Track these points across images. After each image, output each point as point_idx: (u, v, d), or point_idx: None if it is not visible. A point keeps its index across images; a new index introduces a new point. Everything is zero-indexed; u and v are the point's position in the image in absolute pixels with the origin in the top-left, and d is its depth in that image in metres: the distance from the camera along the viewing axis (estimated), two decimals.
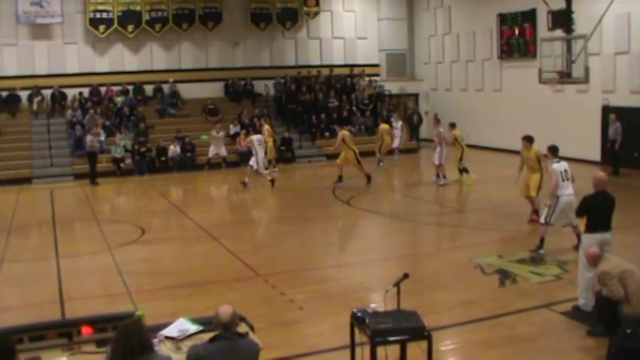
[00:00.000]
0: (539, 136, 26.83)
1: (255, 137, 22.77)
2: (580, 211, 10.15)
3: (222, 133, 27.72)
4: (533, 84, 24.30)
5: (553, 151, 13.93)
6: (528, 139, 16.28)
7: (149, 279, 12.67)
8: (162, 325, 6.61)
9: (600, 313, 9.01)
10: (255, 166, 22.43)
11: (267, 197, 22.18)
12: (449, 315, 10.08)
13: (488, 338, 9.19)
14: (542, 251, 13.35)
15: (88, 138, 25.36)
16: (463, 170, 21.79)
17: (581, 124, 25.53)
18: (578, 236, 12.59)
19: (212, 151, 27.41)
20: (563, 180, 13.18)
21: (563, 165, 13.43)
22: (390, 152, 28.31)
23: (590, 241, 9.62)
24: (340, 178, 22.32)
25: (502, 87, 30.61)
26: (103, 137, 27.24)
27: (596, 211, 9.93)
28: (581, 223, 10.02)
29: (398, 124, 29.40)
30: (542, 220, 13.61)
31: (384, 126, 27.78)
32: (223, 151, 27.69)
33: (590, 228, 9.88)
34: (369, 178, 22.22)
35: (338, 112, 32.03)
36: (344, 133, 22.51)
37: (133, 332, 5.21)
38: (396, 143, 28.60)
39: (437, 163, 21.89)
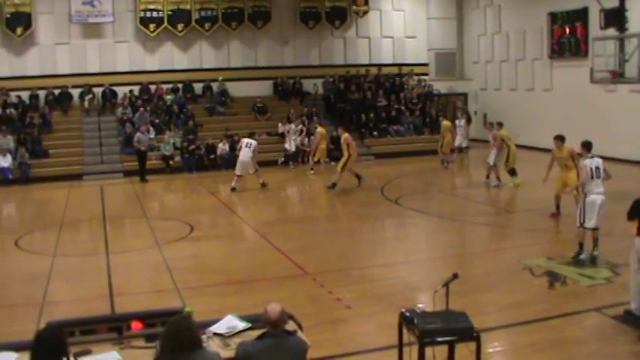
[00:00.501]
0: (591, 137, 26.51)
1: (244, 140, 22.39)
2: (631, 214, 9.92)
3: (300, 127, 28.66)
4: (585, 84, 24.01)
5: (586, 146, 13.72)
6: (560, 139, 16.36)
7: (197, 276, 12.75)
8: (210, 321, 6.64)
9: None
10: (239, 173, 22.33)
11: (316, 195, 22.21)
12: (497, 316, 9.98)
13: (537, 341, 9.07)
14: (583, 256, 12.96)
15: (138, 135, 25.69)
16: (510, 172, 21.42)
17: (634, 124, 25.06)
18: (595, 241, 12.81)
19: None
20: (592, 177, 12.89)
21: (595, 161, 13.12)
22: (452, 150, 27.81)
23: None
24: (358, 177, 22.07)
25: (552, 87, 30.22)
26: (152, 135, 27.55)
27: None
28: (633, 227, 9.82)
29: (462, 121, 29.12)
30: (577, 224, 13.26)
31: (446, 123, 27.08)
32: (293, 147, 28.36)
33: None
34: (333, 185, 21.76)
35: (387, 112, 31.99)
36: (347, 136, 22.31)
37: (182, 328, 5.24)
38: (457, 141, 28.33)
39: (491, 164, 21.62)
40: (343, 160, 21.80)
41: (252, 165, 22.04)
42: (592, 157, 13.28)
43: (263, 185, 22.31)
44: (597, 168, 12.99)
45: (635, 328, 9.25)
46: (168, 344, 5.21)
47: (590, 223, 12.91)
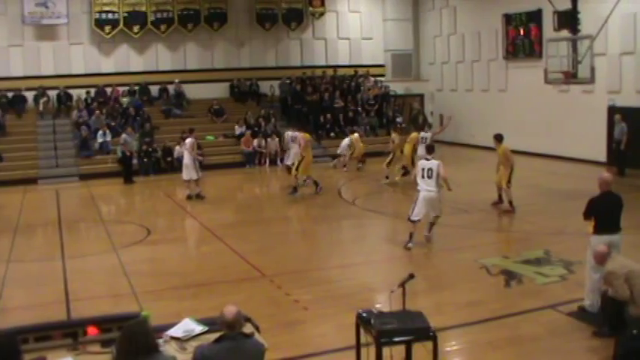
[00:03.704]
0: (545, 137, 27.06)
1: (188, 141, 21.26)
2: (586, 213, 10.08)
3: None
4: (539, 84, 24.24)
5: (429, 150, 15.25)
6: (495, 138, 18.01)
7: (154, 279, 12.69)
8: (167, 325, 6.61)
9: (606, 314, 9.00)
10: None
11: (272, 198, 22.19)
12: (454, 315, 10.07)
13: (494, 339, 9.18)
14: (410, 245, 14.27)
15: (124, 137, 25.82)
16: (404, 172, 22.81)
17: (586, 124, 25.48)
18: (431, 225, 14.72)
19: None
20: (423, 177, 14.29)
21: (429, 163, 14.39)
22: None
23: (598, 242, 9.58)
24: (316, 184, 21.36)
25: (507, 87, 30.55)
26: (109, 138, 27.34)
27: (603, 212, 9.88)
28: (589, 225, 9.99)
29: (427, 133, 23.87)
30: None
31: (414, 135, 23.84)
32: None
33: (598, 229, 9.82)
34: (295, 189, 21.16)
35: (343, 113, 32.05)
36: (302, 136, 21.79)
37: (138, 333, 5.21)
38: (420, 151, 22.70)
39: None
40: (296, 162, 21.39)
41: (194, 167, 20.87)
42: (429, 159, 14.58)
43: (197, 197, 21.07)
44: (430, 169, 14.25)
45: (589, 324, 9.40)
46: (123, 349, 5.18)
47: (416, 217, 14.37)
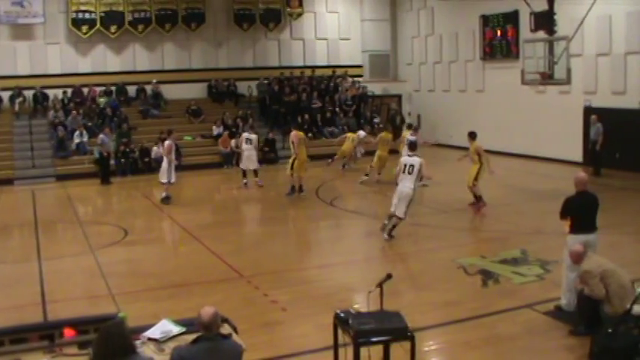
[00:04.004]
0: (522, 137, 27.21)
1: (166, 143, 20.60)
2: (562, 213, 10.15)
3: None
4: (516, 85, 24.38)
5: (411, 147, 15.66)
6: (469, 135, 18.57)
7: (132, 280, 12.63)
8: (145, 326, 6.58)
9: (582, 313, 9.06)
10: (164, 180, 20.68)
11: (250, 198, 22.14)
12: (432, 315, 10.10)
13: (471, 338, 9.22)
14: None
15: (101, 137, 25.64)
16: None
17: (563, 124, 25.69)
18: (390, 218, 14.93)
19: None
20: (404, 172, 14.69)
21: (411, 159, 14.79)
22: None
23: (574, 241, 9.65)
24: (301, 188, 21.06)
25: (485, 88, 30.71)
26: (86, 138, 27.19)
27: (579, 212, 9.95)
28: (566, 225, 10.06)
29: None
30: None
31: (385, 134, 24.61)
32: None
33: (574, 229, 9.89)
34: (292, 189, 20.96)
35: (321, 113, 32.05)
36: (299, 134, 21.38)
37: (115, 334, 5.17)
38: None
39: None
40: (290, 160, 21.10)
41: (167, 171, 20.35)
42: (411, 156, 15.02)
43: (164, 199, 20.55)
44: (412, 165, 14.64)
45: (565, 323, 9.46)
46: (100, 351, 5.15)
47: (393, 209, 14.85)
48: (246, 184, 22.82)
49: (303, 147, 21.12)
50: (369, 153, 25.24)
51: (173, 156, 20.66)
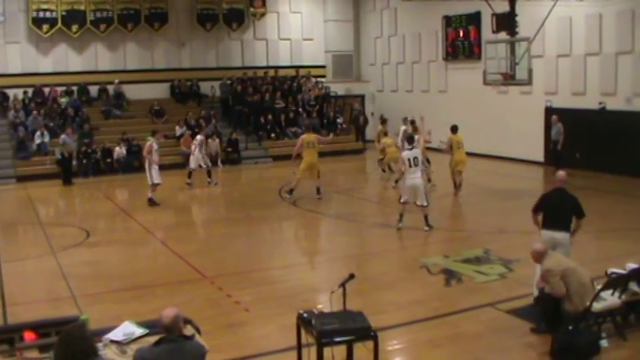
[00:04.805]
0: (485, 137, 27.42)
1: (148, 144, 20.49)
2: (536, 207, 10.34)
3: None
4: (478, 85, 24.52)
5: (409, 140, 16.51)
6: (451, 129, 20.35)
7: (94, 282, 12.51)
8: (107, 328, 6.54)
9: (543, 311, 9.17)
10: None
11: (213, 199, 22.08)
12: (395, 315, 10.14)
13: (435, 337, 9.28)
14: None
15: (63, 138, 25.32)
16: None
17: (524, 125, 25.96)
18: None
19: None
20: (410, 166, 15.41)
21: (413, 152, 15.60)
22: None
23: (542, 237, 9.81)
24: (318, 191, 20.66)
25: (447, 88, 30.93)
26: (47, 139, 26.91)
27: (550, 208, 10.15)
28: (534, 220, 10.27)
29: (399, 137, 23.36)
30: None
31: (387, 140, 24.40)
32: None
33: (544, 224, 10.14)
34: (291, 191, 20.49)
35: (284, 114, 32.04)
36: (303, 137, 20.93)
37: (76, 337, 5.12)
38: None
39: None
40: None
41: (148, 172, 20.15)
42: (411, 149, 15.73)
43: (150, 201, 20.18)
44: (415, 157, 15.48)
45: (527, 321, 9.55)
46: (61, 354, 5.10)
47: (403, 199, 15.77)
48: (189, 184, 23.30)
49: (309, 150, 20.38)
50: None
51: (153, 157, 20.19)
